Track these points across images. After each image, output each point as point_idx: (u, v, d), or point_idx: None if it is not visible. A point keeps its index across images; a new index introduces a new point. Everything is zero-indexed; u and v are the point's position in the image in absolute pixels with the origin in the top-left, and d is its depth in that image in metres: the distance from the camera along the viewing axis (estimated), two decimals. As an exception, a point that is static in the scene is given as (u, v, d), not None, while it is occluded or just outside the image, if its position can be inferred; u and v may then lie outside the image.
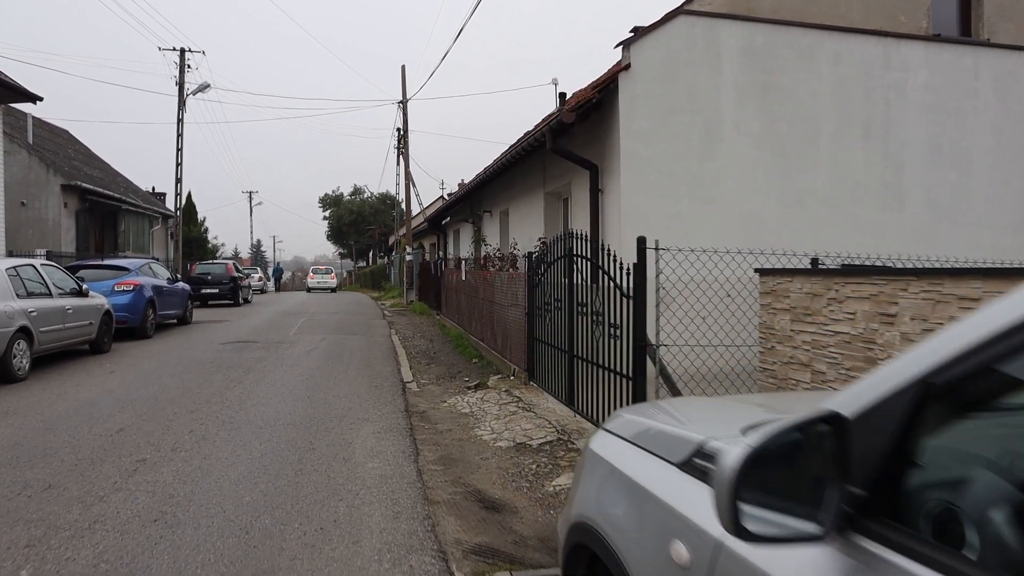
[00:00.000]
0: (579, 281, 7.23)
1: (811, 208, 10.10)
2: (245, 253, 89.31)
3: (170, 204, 39.28)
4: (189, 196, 36.71)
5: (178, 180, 28.56)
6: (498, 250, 14.72)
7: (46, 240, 23.70)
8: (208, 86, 28.71)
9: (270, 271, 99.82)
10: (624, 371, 5.79)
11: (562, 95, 18.22)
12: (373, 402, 8.55)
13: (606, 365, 6.23)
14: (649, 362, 5.50)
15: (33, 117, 29.07)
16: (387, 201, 63.87)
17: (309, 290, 50.52)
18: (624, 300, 5.74)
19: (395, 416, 7.81)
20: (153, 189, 46.02)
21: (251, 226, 71.09)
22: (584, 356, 6.96)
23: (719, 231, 8.96)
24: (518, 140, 11.87)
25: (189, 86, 28.60)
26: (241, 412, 7.81)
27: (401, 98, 27.72)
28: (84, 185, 24.50)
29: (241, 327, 17.47)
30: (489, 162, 15.72)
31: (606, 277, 6.16)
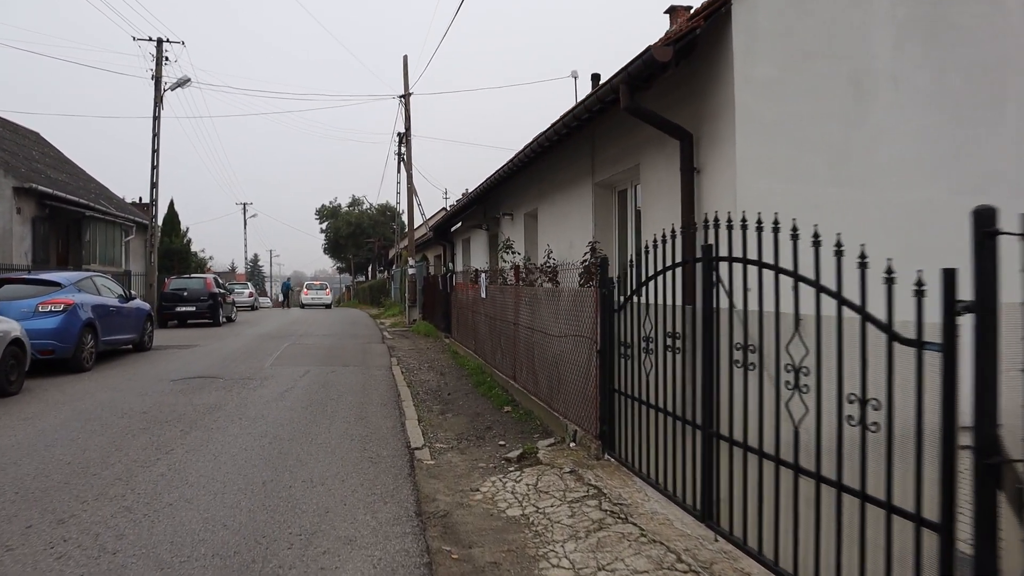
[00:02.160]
0: (730, 304, 4.11)
1: (995, 197, 7.00)
2: (242, 268, 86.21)
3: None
4: (171, 205, 33.71)
5: (154, 184, 25.50)
6: (528, 259, 11.63)
7: (-5, 251, 20.62)
8: (188, 80, 25.71)
9: (268, 286, 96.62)
10: (913, 509, 2.66)
11: (595, 76, 15.21)
12: (364, 495, 5.41)
13: (835, 480, 3.10)
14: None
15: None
16: (387, 212, 60.89)
17: (303, 306, 47.51)
18: (904, 351, 2.63)
19: (401, 529, 4.67)
20: (140, 200, 43.03)
21: (245, 239, 68.33)
22: (747, 443, 3.84)
23: (871, 228, 5.75)
24: (570, 110, 8.81)
25: (167, 80, 25.62)
26: (144, 521, 4.68)
27: (403, 92, 24.70)
28: (41, 188, 21.41)
29: (209, 355, 14.33)
30: (500, 168, 12.69)
31: (835, 301, 3.05)
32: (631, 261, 5.55)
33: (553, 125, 9.27)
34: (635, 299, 5.46)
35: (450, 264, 23.21)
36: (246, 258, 73.62)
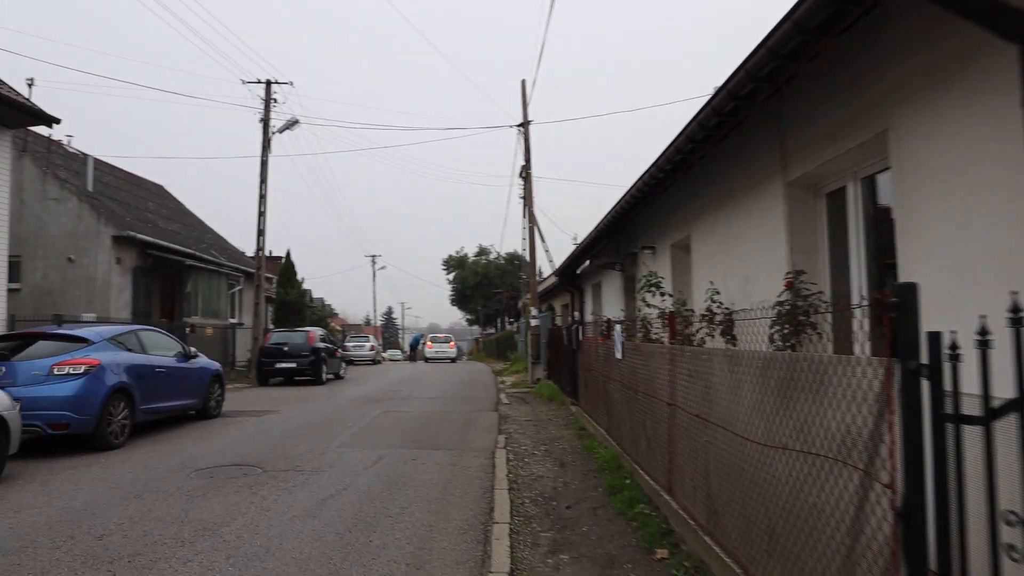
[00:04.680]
0: None
1: None
2: (374, 321, 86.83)
3: (272, 261, 35.55)
4: (288, 255, 32.50)
5: (261, 232, 23.94)
6: (684, 304, 8.12)
7: (94, 302, 19.39)
8: (296, 122, 24.26)
9: (401, 338, 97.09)
10: None
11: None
12: None
13: None
14: None
15: (109, 165, 25.71)
16: (514, 261, 58.61)
17: (427, 360, 45.47)
18: None
19: None
20: (270, 253, 42.93)
21: (374, 292, 68.18)
22: None
23: None
24: (756, 50, 5.31)
25: (275, 123, 24.25)
26: None
27: (521, 120, 22.00)
28: (140, 236, 20.15)
29: (275, 427, 11.64)
30: (635, 183, 9.29)
31: None
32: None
33: (727, 85, 5.83)
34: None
35: (575, 313, 19.89)
36: (375, 310, 73.55)
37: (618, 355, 8.52)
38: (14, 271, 19.96)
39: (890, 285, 2.69)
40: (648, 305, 8.20)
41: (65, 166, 21.87)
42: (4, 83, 14.69)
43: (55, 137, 23.22)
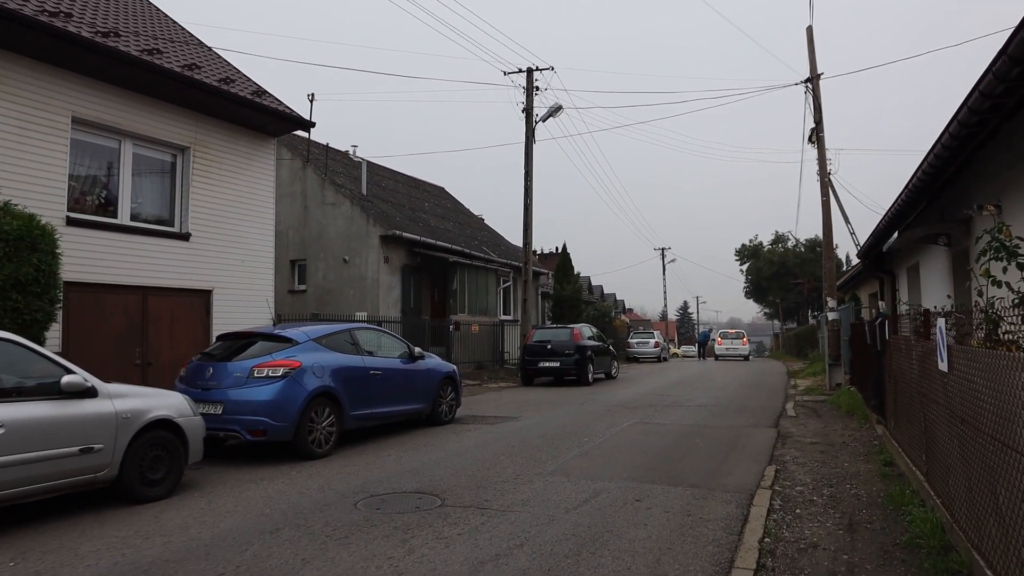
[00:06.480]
0: None
1: None
2: (664, 316, 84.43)
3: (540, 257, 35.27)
4: (563, 249, 31.65)
5: (527, 226, 23.07)
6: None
7: (365, 301, 19.91)
8: (560, 108, 22.99)
9: (697, 334, 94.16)
10: None
11: None
12: None
13: None
14: None
15: (390, 171, 26.79)
16: (816, 248, 52.45)
17: (717, 357, 42.09)
18: None
19: None
20: (556, 249, 42.90)
21: (664, 286, 65.95)
22: None
23: None
24: None
25: (538, 111, 23.24)
26: None
27: (809, 74, 18.28)
28: (405, 235, 20.27)
29: (501, 438, 10.11)
30: (965, 103, 5.93)
31: None
32: None
33: None
34: None
35: (881, 303, 15.87)
36: (666, 305, 71.07)
37: (942, 365, 5.49)
38: (301, 273, 21.25)
39: None
40: (995, 283, 5.06)
41: (346, 173, 22.98)
42: (268, 93, 15.20)
43: (343, 148, 24.70)
